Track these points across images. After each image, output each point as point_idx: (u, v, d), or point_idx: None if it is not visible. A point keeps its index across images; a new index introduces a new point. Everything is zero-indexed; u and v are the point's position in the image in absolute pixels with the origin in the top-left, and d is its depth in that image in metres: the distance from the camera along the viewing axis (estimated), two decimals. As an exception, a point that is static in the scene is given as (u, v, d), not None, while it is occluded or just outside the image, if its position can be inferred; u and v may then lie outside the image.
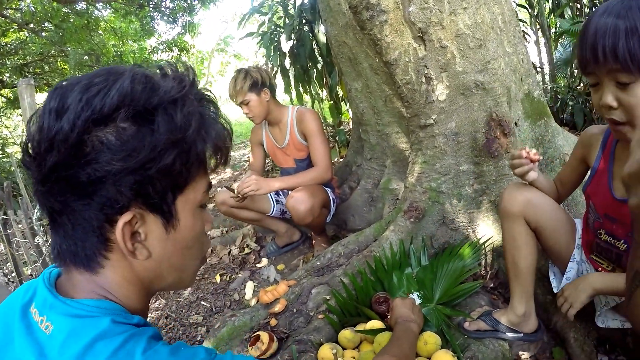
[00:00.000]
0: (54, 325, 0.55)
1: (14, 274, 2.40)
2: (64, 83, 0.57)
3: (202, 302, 2.30)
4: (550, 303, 1.59)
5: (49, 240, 2.49)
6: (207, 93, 0.64)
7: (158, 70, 0.61)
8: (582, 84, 4.29)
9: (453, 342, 1.45)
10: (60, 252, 0.60)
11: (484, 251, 1.86)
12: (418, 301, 1.73)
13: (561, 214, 1.39)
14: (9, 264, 2.25)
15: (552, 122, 2.07)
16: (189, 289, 2.45)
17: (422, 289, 1.77)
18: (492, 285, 1.81)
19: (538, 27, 4.50)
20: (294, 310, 1.84)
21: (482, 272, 1.88)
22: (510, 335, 1.47)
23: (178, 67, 0.63)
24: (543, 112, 2.06)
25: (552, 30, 4.69)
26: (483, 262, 1.88)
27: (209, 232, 3.18)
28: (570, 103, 3.92)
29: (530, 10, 4.35)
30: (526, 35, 4.26)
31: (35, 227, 2.37)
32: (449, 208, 1.96)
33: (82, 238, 0.58)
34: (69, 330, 0.54)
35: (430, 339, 1.43)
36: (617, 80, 0.95)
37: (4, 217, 2.29)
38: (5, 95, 9.05)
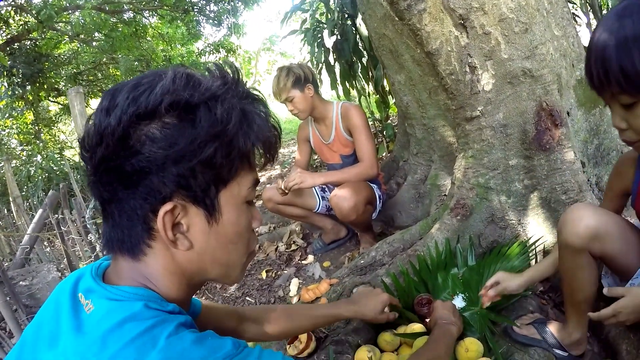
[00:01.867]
0: (94, 307, 0.59)
1: (66, 271, 2.58)
2: (117, 85, 0.61)
3: (247, 298, 2.34)
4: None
5: (101, 237, 2.65)
6: (254, 92, 0.66)
7: (206, 72, 0.64)
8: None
9: (496, 350, 1.36)
10: (109, 240, 0.64)
11: (534, 251, 1.73)
12: (463, 304, 1.64)
13: (628, 230, 1.19)
14: (65, 260, 2.42)
15: (608, 110, 1.89)
16: (235, 284, 2.50)
17: (468, 291, 1.68)
18: (541, 288, 1.68)
19: (589, 8, 4.11)
20: (335, 310, 1.81)
21: (531, 274, 1.75)
22: (557, 351, 1.35)
23: (225, 67, 0.65)
24: (597, 100, 1.86)
25: (604, 11, 4.28)
26: (533, 263, 1.75)
27: (257, 229, 3.24)
28: (627, 88, 3.56)
29: (578, -10, 4.00)
30: (577, 18, 3.91)
31: (88, 225, 2.54)
32: (498, 205, 1.85)
33: (128, 226, 0.61)
34: (105, 310, 0.58)
35: (472, 345, 1.35)
36: (620, 102, 0.88)
37: (61, 215, 2.47)
38: (61, 102, 9.77)
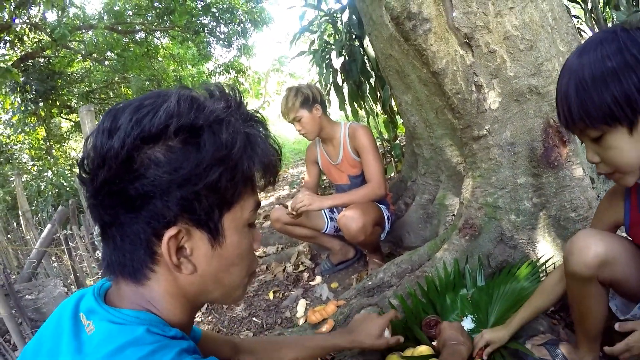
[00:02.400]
0: (95, 328, 0.59)
1: (73, 286, 2.58)
2: (118, 106, 0.61)
3: (254, 319, 2.31)
4: (617, 332, 1.41)
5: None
6: (255, 114, 0.66)
7: (206, 92, 0.64)
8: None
9: (506, 373, 1.32)
10: (110, 264, 0.63)
11: (544, 271, 1.69)
12: (472, 325, 1.60)
13: (633, 252, 1.15)
14: (72, 275, 2.43)
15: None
16: (242, 304, 2.47)
17: (477, 312, 1.64)
18: (552, 308, 1.63)
19: (594, 22, 4.10)
20: (342, 331, 1.78)
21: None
22: None
23: (225, 88, 0.65)
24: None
25: (610, 25, 4.27)
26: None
27: (265, 249, 3.22)
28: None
29: (583, 5, 4.00)
30: (582, 32, 3.90)
31: (95, 242, 2.55)
32: (507, 224, 1.82)
33: (130, 250, 0.60)
34: (106, 333, 0.57)
35: (481, 368, 1.31)
36: (589, 137, 0.90)
37: (69, 232, 2.49)
38: (73, 119, 9.96)
